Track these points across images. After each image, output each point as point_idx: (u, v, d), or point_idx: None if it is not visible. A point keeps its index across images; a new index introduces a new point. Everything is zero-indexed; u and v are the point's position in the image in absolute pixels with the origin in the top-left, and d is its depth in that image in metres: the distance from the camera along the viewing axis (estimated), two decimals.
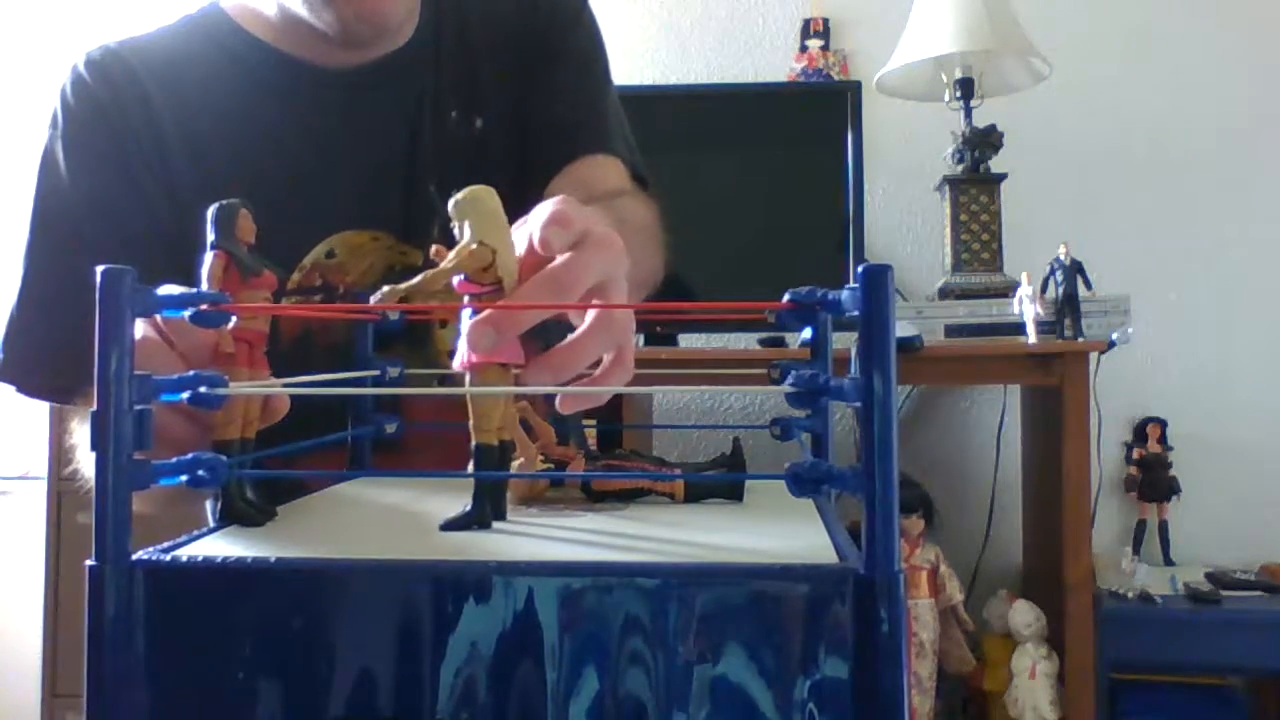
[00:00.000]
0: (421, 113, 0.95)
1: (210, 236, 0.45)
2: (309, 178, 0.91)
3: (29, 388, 0.89)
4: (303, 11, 0.88)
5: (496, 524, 0.45)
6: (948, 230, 2.08)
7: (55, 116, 0.89)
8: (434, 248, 0.55)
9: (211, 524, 0.44)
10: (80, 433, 0.87)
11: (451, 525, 0.43)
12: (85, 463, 0.84)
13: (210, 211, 0.45)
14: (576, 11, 1.02)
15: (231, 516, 0.45)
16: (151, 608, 0.36)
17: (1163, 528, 2.26)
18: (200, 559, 0.37)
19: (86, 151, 0.88)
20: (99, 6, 2.55)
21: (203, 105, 0.90)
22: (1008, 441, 2.35)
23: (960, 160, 2.08)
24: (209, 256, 0.45)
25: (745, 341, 2.21)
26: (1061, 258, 1.86)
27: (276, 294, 0.86)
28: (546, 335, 0.46)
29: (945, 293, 2.06)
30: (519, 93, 0.97)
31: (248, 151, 0.90)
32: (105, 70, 0.89)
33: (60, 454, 2.12)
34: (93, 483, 0.36)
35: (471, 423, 0.44)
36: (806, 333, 0.52)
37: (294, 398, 0.50)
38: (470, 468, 0.45)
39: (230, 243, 0.45)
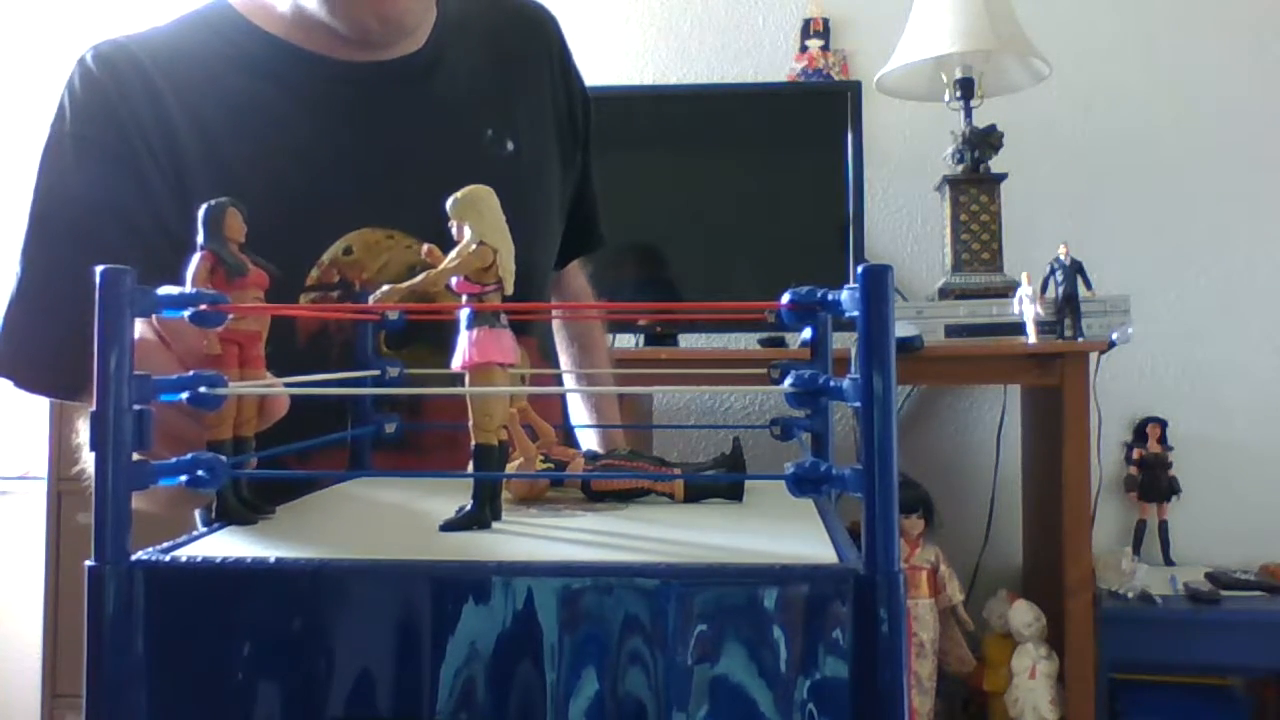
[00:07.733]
0: (455, 121, 0.95)
1: (199, 237, 0.44)
2: (326, 173, 0.90)
3: (27, 382, 0.87)
4: (319, 12, 0.88)
5: (496, 524, 0.44)
6: (948, 230, 2.08)
7: (61, 108, 0.87)
8: (425, 247, 0.55)
9: (200, 528, 0.44)
10: (85, 431, 0.85)
11: (451, 526, 0.43)
12: (90, 462, 0.82)
13: (200, 212, 0.45)
14: (579, 77, 1.11)
15: (225, 515, 0.44)
16: (151, 608, 0.36)
17: (1163, 528, 2.26)
18: (200, 559, 0.37)
19: (92, 144, 0.87)
20: (101, 4, 2.55)
21: (215, 101, 0.89)
22: (1008, 441, 2.35)
23: (960, 160, 2.08)
24: (195, 258, 0.44)
25: (745, 341, 2.21)
26: (1061, 258, 1.86)
27: (295, 289, 0.86)
28: None
29: (945, 293, 2.06)
30: (544, 133, 1.04)
31: (264, 147, 0.88)
32: (113, 64, 0.88)
33: (62, 453, 2.12)
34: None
35: (471, 422, 0.44)
36: (806, 333, 0.52)
37: (302, 397, 0.49)
38: (470, 468, 0.45)
39: (217, 243, 0.44)
